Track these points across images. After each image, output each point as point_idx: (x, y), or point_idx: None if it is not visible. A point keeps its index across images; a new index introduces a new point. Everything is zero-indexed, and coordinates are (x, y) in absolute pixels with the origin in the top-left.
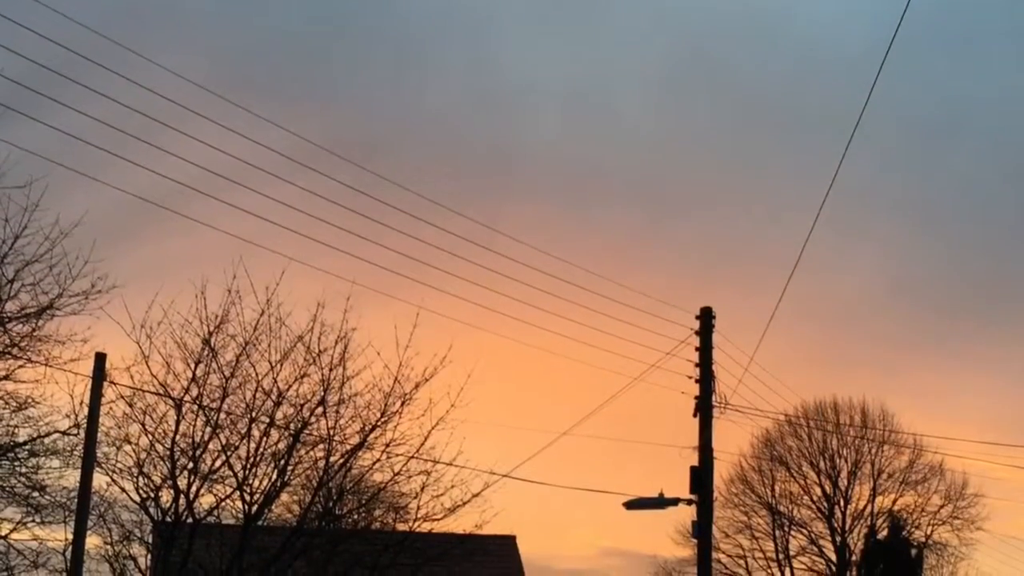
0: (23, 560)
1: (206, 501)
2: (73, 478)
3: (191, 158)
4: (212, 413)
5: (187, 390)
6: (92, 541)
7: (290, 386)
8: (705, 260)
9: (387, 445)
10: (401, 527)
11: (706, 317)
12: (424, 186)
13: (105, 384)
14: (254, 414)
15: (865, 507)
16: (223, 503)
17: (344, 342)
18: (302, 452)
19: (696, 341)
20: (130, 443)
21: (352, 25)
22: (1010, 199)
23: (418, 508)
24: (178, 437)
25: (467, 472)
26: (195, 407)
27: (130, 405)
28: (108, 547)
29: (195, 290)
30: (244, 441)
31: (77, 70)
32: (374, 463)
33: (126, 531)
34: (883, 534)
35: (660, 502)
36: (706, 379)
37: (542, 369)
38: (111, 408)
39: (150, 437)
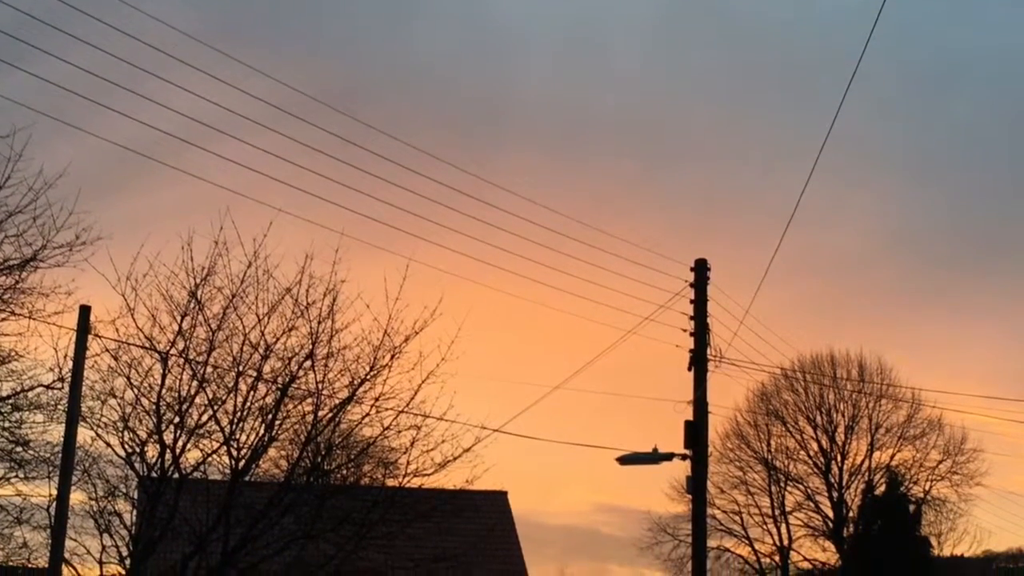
0: (6, 516)
1: (192, 456)
2: (57, 433)
3: (177, 107)
4: (198, 367)
5: (173, 343)
6: (76, 497)
7: (278, 339)
8: (700, 210)
9: (376, 399)
10: (391, 483)
11: (701, 269)
12: (414, 135)
13: (90, 337)
14: (241, 368)
15: (862, 462)
16: (210, 458)
17: (333, 295)
18: (290, 406)
19: (691, 293)
20: (115, 397)
21: None
22: (1010, 149)
23: (408, 463)
24: (164, 391)
25: (458, 427)
26: (181, 361)
27: (115, 358)
28: (93, 503)
29: (181, 241)
30: (231, 395)
31: (61, 18)
32: (363, 418)
33: (111, 486)
34: (881, 490)
35: (654, 457)
36: (701, 332)
37: (534, 322)
38: (96, 362)
39: (135, 391)
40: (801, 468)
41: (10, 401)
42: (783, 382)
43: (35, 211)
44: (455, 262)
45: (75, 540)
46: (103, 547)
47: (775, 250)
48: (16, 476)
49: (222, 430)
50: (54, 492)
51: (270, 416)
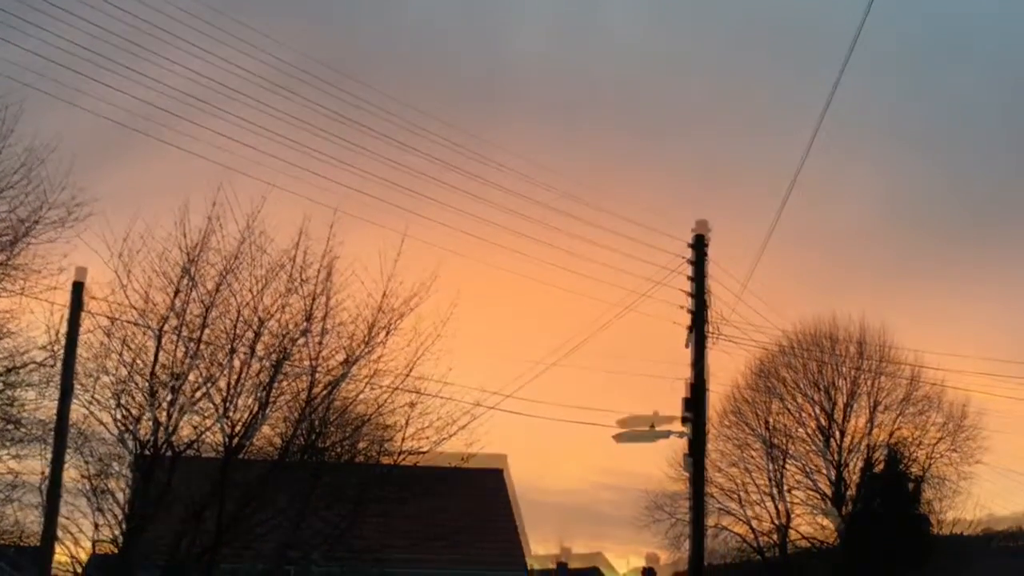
0: None
1: (186, 432)
2: (50, 410)
3: (170, 81)
4: (192, 343)
5: (166, 319)
6: (69, 473)
7: (272, 315)
8: (697, 183)
9: (371, 375)
10: (386, 460)
11: (699, 243)
12: (408, 108)
13: (82, 313)
14: (235, 343)
15: (862, 439)
16: (203, 434)
17: (327, 270)
18: (284, 382)
19: (689, 269)
20: (108, 374)
21: None
22: (1010, 119)
23: (403, 440)
24: (157, 367)
25: (453, 403)
26: (174, 336)
27: (108, 335)
28: (86, 479)
29: (175, 217)
30: (225, 371)
31: None
32: (358, 394)
33: (104, 463)
34: (880, 467)
35: (651, 435)
36: (699, 307)
37: (530, 297)
38: (88, 338)
39: (128, 367)
40: (800, 445)
41: (2, 378)
42: (781, 359)
43: (27, 185)
44: (450, 236)
45: (67, 518)
46: (96, 525)
47: (773, 223)
48: (8, 453)
49: (216, 406)
50: (47, 469)
51: (264, 392)
